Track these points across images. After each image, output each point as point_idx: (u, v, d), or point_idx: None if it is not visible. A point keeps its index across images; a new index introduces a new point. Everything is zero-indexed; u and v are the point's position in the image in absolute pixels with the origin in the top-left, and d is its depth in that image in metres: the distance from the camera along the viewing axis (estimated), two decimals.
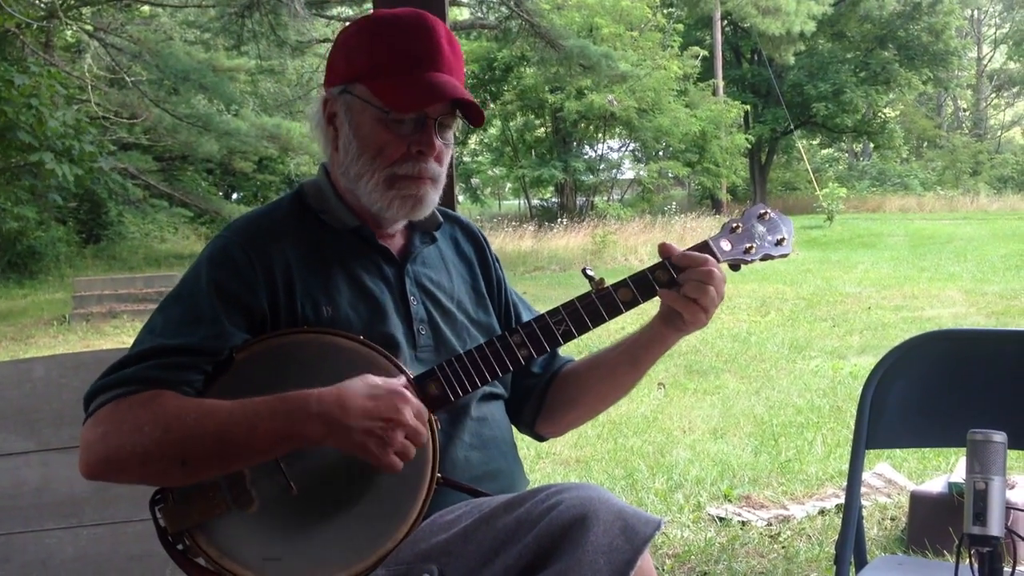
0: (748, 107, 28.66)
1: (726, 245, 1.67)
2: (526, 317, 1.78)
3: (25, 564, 2.39)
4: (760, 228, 1.70)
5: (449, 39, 1.59)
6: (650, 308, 1.68)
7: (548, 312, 1.63)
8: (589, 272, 1.63)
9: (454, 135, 1.65)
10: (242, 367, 1.50)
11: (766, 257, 1.69)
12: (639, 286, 1.61)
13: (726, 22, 30.16)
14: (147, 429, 1.41)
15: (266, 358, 1.51)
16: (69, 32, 18.63)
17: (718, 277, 1.59)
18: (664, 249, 1.62)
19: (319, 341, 1.52)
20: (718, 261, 1.63)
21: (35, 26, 15.54)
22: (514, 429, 1.78)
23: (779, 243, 1.70)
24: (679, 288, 1.59)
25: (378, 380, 1.45)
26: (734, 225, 1.70)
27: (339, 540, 1.46)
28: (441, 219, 1.71)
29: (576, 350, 1.86)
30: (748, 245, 1.68)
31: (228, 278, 1.52)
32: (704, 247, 1.65)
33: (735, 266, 1.68)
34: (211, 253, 1.56)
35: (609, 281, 1.63)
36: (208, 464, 1.43)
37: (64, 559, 2.40)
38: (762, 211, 1.72)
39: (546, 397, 1.79)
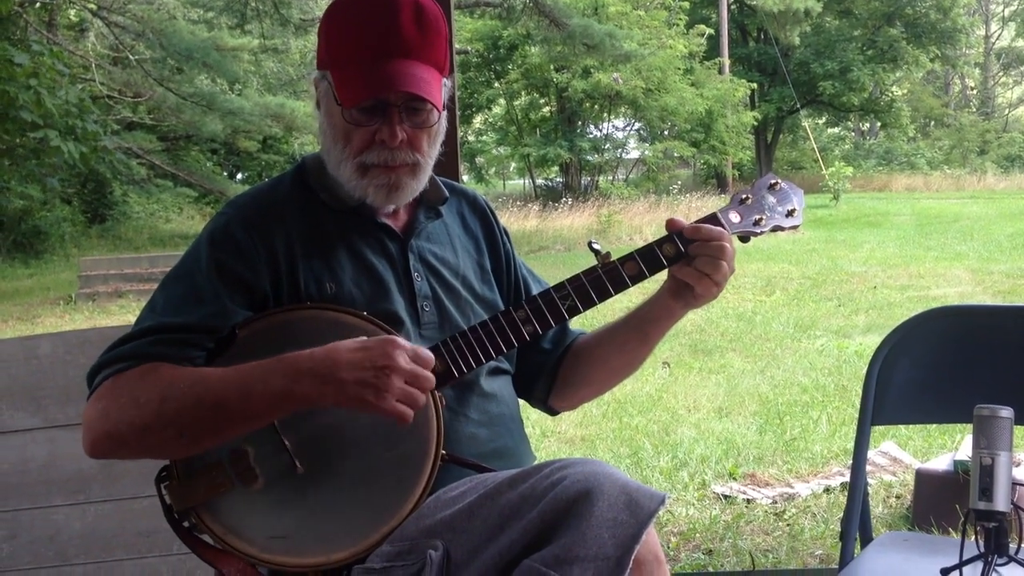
0: (754, 86, 28.48)
1: (735, 217, 1.65)
2: (535, 291, 1.76)
3: (33, 540, 2.41)
4: (770, 199, 1.68)
5: (418, 17, 1.51)
6: (651, 283, 1.67)
7: (554, 287, 1.61)
8: (596, 246, 1.61)
9: (450, 109, 1.61)
10: (244, 343, 1.50)
11: (776, 228, 1.67)
12: (646, 260, 1.59)
13: (732, 0, 29.95)
14: (143, 400, 1.41)
15: (269, 334, 1.50)
16: (72, 11, 18.57)
17: (729, 251, 1.57)
18: (672, 223, 1.60)
19: (322, 317, 1.51)
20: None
21: (38, 4, 15.49)
22: (522, 405, 1.77)
23: (790, 214, 1.68)
24: (689, 262, 1.58)
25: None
26: (744, 196, 1.68)
27: (344, 517, 1.46)
28: (447, 193, 1.70)
29: (589, 323, 1.86)
30: (758, 216, 1.66)
31: (229, 257, 1.51)
32: (713, 219, 1.63)
33: (744, 238, 1.66)
34: (212, 231, 1.54)
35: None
36: (207, 431, 1.42)
37: (71, 535, 2.41)
38: (772, 181, 1.70)
39: (558, 373, 1.79)
